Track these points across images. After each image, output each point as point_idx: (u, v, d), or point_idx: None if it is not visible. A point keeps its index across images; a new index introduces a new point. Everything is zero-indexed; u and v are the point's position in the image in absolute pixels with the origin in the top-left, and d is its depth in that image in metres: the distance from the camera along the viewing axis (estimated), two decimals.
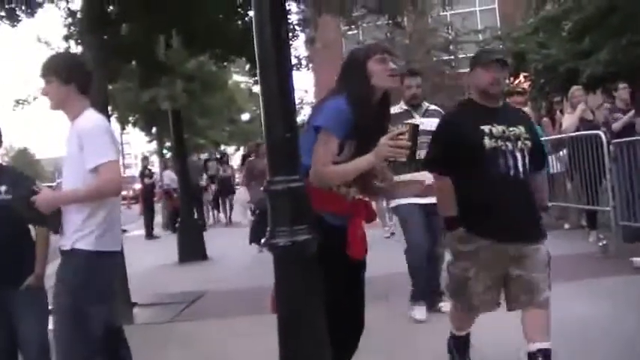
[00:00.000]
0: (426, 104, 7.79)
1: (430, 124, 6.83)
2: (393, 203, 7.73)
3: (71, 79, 4.56)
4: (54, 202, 4.49)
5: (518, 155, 4.79)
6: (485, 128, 4.76)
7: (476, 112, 4.93)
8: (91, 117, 4.53)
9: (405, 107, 7.62)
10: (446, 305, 6.93)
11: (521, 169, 4.80)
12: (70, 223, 4.45)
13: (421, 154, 6.84)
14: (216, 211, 24.81)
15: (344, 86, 4.27)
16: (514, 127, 4.85)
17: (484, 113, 4.89)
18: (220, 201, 24.20)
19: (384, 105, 4.36)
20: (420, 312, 7.36)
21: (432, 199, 6.88)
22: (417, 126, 4.11)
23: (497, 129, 4.78)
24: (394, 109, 7.13)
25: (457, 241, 4.94)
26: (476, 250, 4.80)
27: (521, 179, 4.81)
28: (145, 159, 25.01)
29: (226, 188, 23.57)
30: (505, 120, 4.87)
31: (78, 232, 4.40)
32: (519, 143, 4.82)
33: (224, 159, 25.13)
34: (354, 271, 4.36)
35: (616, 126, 11.13)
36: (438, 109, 7.85)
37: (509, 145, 4.78)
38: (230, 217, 23.30)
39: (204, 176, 23.32)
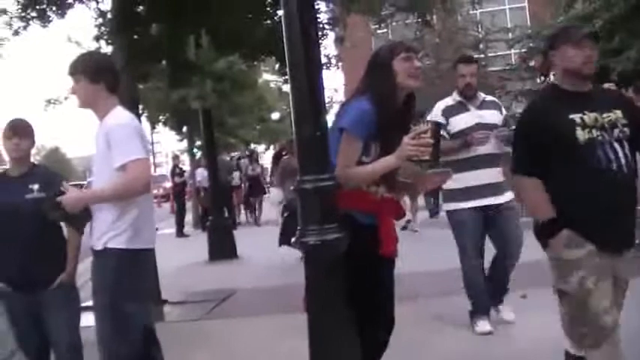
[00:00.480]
0: (482, 95, 6.95)
1: (489, 116, 6.73)
2: (447, 207, 6.89)
3: (99, 77, 4.57)
4: (80, 201, 4.50)
5: (617, 146, 4.05)
6: (576, 117, 4.05)
7: (563, 99, 4.20)
8: (119, 115, 4.53)
9: (459, 99, 6.82)
10: (507, 313, 6.78)
11: (623, 161, 4.04)
12: (102, 223, 4.46)
13: (478, 150, 6.50)
14: (246, 211, 24.20)
15: (369, 85, 4.24)
16: (608, 113, 4.12)
17: (573, 99, 4.17)
18: (251, 200, 23.51)
19: (408, 104, 4.29)
20: (482, 325, 6.61)
21: (494, 200, 6.60)
22: (439, 124, 4.14)
23: (590, 117, 4.06)
24: (446, 101, 6.88)
25: (563, 248, 4.08)
26: (588, 254, 4.02)
27: (625, 174, 4.05)
28: (176, 158, 25.05)
29: (255, 187, 23.06)
30: (597, 105, 4.14)
31: (110, 232, 4.41)
32: (616, 131, 4.07)
33: (253, 156, 24.72)
34: (384, 269, 4.35)
35: None
36: (496, 100, 7.21)
37: (605, 135, 4.04)
38: (258, 218, 22.78)
39: (237, 174, 23.23)
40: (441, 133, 4.21)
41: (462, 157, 6.51)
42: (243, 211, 24.20)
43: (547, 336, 4.95)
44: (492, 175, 6.56)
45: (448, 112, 6.70)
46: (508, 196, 6.68)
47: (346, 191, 4.00)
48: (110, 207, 4.42)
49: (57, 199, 4.48)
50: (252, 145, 33.99)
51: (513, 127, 6.53)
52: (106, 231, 4.42)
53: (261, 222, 22.09)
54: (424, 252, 10.92)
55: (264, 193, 22.72)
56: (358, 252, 3.94)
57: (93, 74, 4.56)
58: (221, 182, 16.76)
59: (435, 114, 6.74)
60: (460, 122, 6.64)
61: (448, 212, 6.89)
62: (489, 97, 7.09)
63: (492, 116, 6.77)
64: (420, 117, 4.33)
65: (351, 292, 3.89)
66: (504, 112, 7.03)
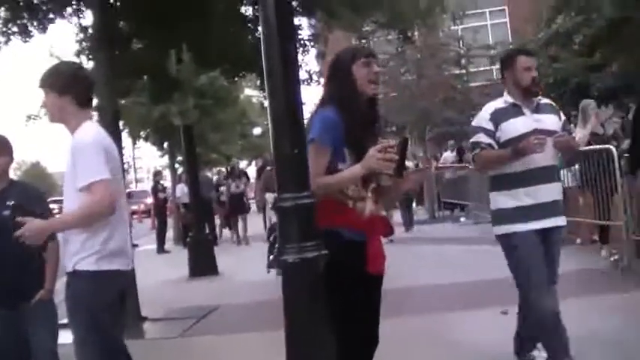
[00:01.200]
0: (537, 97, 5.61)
1: (548, 121, 5.49)
2: (501, 230, 5.47)
3: (67, 90, 4.36)
4: (41, 232, 4.29)
5: None
6: None
7: None
8: (86, 131, 4.29)
9: (512, 100, 5.49)
10: (540, 356, 5.60)
11: None
12: (72, 244, 4.28)
13: (534, 158, 5.25)
14: (227, 229, 23.37)
15: (331, 93, 4.27)
16: None
17: None
18: (233, 219, 22.30)
19: (372, 107, 4.29)
20: None
21: (554, 221, 5.44)
22: (407, 140, 4.06)
23: None
24: (496, 104, 5.61)
25: None
26: None
27: None
28: (158, 174, 24.87)
29: (238, 205, 21.85)
30: None
31: (79, 254, 4.22)
32: None
33: (234, 172, 24.11)
34: (372, 286, 4.31)
35: (624, 145, 11.08)
36: (552, 102, 5.84)
37: None
38: (240, 237, 21.50)
39: (224, 189, 22.91)
40: (408, 149, 4.13)
41: (515, 169, 5.36)
42: (224, 229, 23.58)
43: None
44: (554, 191, 5.47)
45: (498, 117, 5.47)
46: (564, 219, 5.64)
47: (333, 207, 4.01)
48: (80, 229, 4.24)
49: (16, 233, 4.19)
50: (235, 160, 33.86)
51: (574, 134, 6.06)
52: (75, 252, 4.25)
53: (246, 240, 21.08)
54: (406, 267, 10.91)
55: (246, 211, 22.27)
56: (345, 268, 3.95)
57: (60, 87, 4.36)
58: (202, 198, 16.71)
59: (483, 118, 5.55)
60: (515, 127, 5.39)
61: (502, 237, 5.50)
62: (544, 100, 5.73)
63: (551, 121, 5.53)
64: (403, 129, 4.27)
65: (333, 310, 3.86)
66: (563, 116, 5.78)
